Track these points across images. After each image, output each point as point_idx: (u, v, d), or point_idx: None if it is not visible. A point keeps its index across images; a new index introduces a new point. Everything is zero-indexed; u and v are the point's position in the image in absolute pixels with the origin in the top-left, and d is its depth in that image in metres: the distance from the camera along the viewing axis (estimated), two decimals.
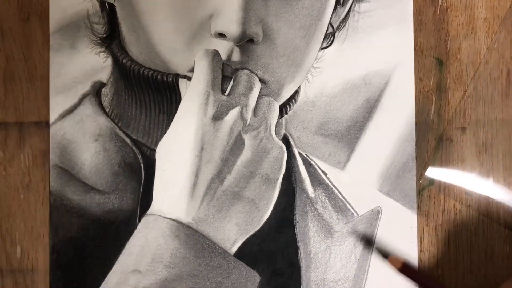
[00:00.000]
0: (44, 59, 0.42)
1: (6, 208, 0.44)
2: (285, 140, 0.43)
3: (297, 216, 0.43)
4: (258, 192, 0.41)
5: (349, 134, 0.44)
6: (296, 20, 0.42)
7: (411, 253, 0.43)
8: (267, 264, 0.42)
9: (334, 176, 0.44)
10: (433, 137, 0.44)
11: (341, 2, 0.43)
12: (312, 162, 0.44)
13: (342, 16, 0.44)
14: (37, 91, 0.43)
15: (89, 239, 0.41)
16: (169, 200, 0.40)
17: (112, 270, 0.41)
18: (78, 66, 0.42)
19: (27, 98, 0.43)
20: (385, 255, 0.43)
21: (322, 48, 0.44)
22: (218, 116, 0.41)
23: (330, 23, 0.43)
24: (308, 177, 0.43)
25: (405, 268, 0.42)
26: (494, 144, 0.44)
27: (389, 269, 0.43)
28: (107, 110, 0.43)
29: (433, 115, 0.44)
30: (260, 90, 0.42)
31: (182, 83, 0.42)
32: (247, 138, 0.41)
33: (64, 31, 0.42)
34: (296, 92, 0.44)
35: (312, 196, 0.43)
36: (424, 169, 0.44)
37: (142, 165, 0.42)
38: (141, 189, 0.42)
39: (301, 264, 0.43)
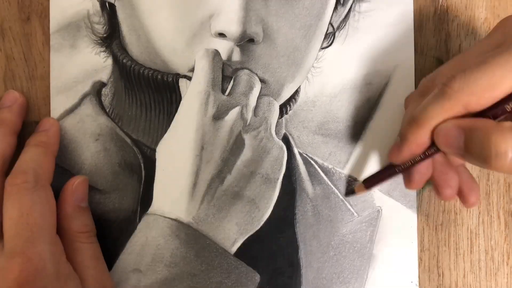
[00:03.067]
0: (45, 59, 0.42)
1: None
2: (285, 140, 0.43)
3: (297, 216, 0.43)
4: (259, 192, 0.41)
5: (349, 134, 0.44)
6: (296, 20, 0.42)
7: (411, 253, 0.43)
8: (267, 263, 0.42)
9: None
10: None
11: (342, 2, 0.43)
12: (312, 161, 0.44)
13: (343, 16, 0.44)
14: (38, 91, 0.43)
15: None
16: (170, 199, 0.40)
17: (112, 269, 0.41)
18: (79, 66, 0.42)
19: (27, 98, 0.43)
20: (351, 192, 0.43)
21: (322, 48, 0.44)
22: (218, 116, 0.41)
23: (330, 23, 0.43)
24: (308, 177, 0.44)
25: (368, 183, 0.42)
26: None
27: (389, 269, 0.43)
28: (107, 110, 0.43)
29: None
30: (260, 90, 0.42)
31: (182, 83, 0.42)
32: (247, 138, 0.41)
33: (65, 31, 0.42)
34: (296, 92, 0.44)
35: (312, 196, 0.43)
36: None
37: (142, 164, 0.42)
38: (141, 189, 0.42)
39: (301, 264, 0.43)
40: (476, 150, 0.33)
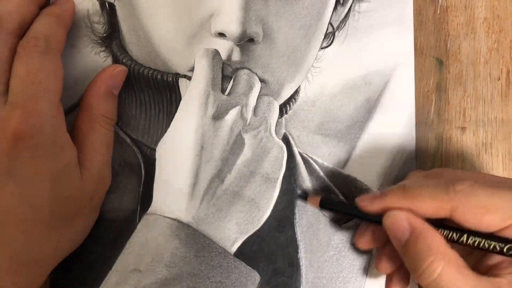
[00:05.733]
0: None
1: None
2: (285, 139, 0.43)
3: (297, 216, 0.43)
4: (258, 192, 0.41)
5: (349, 134, 0.44)
6: (296, 20, 0.42)
7: None
8: (267, 263, 0.42)
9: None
10: (433, 137, 0.44)
11: (341, 2, 0.43)
12: (312, 161, 0.44)
13: (342, 16, 0.44)
14: None
15: (89, 238, 0.41)
16: (169, 199, 0.40)
17: (112, 269, 0.41)
18: (78, 66, 0.42)
19: None
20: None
21: (322, 48, 0.44)
22: (218, 116, 0.41)
23: (330, 23, 0.43)
24: (308, 177, 0.44)
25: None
26: (494, 144, 0.44)
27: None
28: None
29: (433, 115, 0.44)
30: (260, 89, 0.42)
31: (182, 82, 0.42)
32: (247, 138, 0.41)
33: None
34: (296, 92, 0.44)
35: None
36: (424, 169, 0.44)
37: (142, 164, 0.42)
38: (141, 189, 0.42)
39: (301, 264, 0.43)
40: (411, 255, 0.35)
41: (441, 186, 0.36)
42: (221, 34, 0.40)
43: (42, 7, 0.39)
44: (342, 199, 0.42)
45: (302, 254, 0.43)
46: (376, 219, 0.38)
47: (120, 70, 0.40)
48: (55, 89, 0.37)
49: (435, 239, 0.35)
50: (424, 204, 0.36)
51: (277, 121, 0.43)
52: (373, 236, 0.40)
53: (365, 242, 0.41)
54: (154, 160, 0.42)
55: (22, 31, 0.37)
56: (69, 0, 0.41)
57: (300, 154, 0.44)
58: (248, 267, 0.41)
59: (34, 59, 0.35)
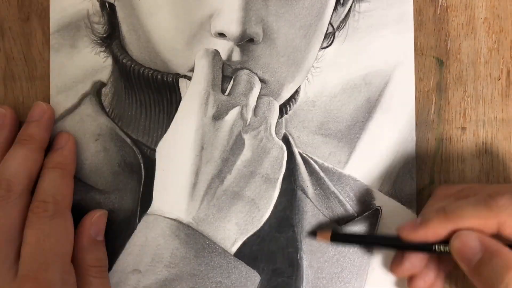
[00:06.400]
0: (44, 59, 0.42)
1: None
2: (285, 139, 0.43)
3: (297, 216, 0.43)
4: (258, 192, 0.41)
5: (349, 134, 0.44)
6: (296, 20, 0.42)
7: None
8: (267, 263, 0.42)
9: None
10: (433, 137, 0.44)
11: (341, 2, 0.43)
12: (312, 161, 0.44)
13: (342, 16, 0.44)
14: (37, 91, 0.43)
15: None
16: (169, 199, 0.40)
17: (112, 269, 0.41)
18: (78, 66, 0.42)
19: (27, 98, 0.43)
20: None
21: (322, 48, 0.44)
22: (218, 116, 0.41)
23: (330, 23, 0.43)
24: (308, 177, 0.44)
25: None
26: (494, 144, 0.44)
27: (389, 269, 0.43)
28: (107, 110, 0.43)
29: (433, 115, 0.44)
30: (260, 90, 0.42)
31: (182, 83, 0.42)
32: (247, 138, 0.41)
33: (64, 30, 0.42)
34: (296, 92, 0.44)
35: (312, 196, 0.43)
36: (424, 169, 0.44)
37: (142, 164, 0.42)
38: (141, 189, 0.42)
39: (301, 264, 0.43)
40: (487, 273, 0.34)
41: (482, 203, 0.36)
42: (221, 34, 0.40)
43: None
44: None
45: (302, 254, 0.43)
46: (398, 246, 0.39)
47: (99, 216, 0.40)
48: (65, 252, 0.37)
49: (510, 255, 0.35)
50: (469, 223, 0.36)
51: (277, 121, 0.43)
52: (411, 264, 0.39)
53: (403, 270, 0.40)
54: (154, 160, 0.42)
55: (31, 185, 0.38)
56: (68, 138, 0.41)
57: (300, 154, 0.44)
58: (248, 267, 0.41)
59: (43, 225, 0.36)
